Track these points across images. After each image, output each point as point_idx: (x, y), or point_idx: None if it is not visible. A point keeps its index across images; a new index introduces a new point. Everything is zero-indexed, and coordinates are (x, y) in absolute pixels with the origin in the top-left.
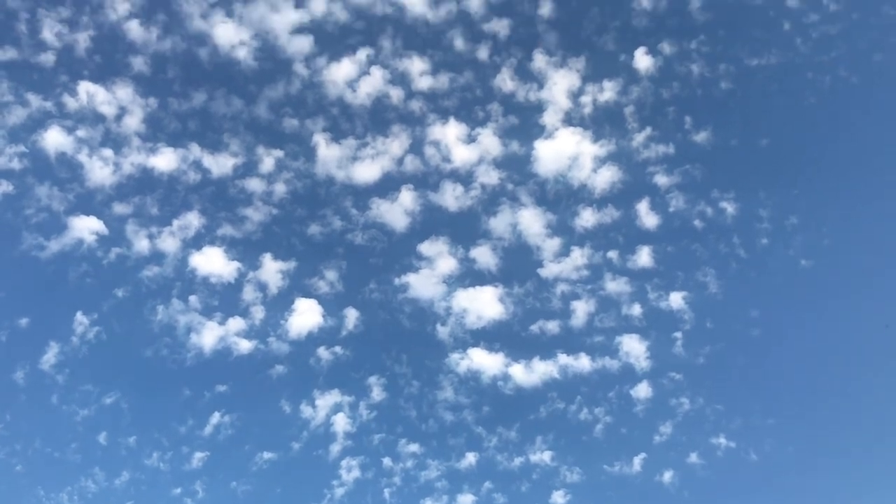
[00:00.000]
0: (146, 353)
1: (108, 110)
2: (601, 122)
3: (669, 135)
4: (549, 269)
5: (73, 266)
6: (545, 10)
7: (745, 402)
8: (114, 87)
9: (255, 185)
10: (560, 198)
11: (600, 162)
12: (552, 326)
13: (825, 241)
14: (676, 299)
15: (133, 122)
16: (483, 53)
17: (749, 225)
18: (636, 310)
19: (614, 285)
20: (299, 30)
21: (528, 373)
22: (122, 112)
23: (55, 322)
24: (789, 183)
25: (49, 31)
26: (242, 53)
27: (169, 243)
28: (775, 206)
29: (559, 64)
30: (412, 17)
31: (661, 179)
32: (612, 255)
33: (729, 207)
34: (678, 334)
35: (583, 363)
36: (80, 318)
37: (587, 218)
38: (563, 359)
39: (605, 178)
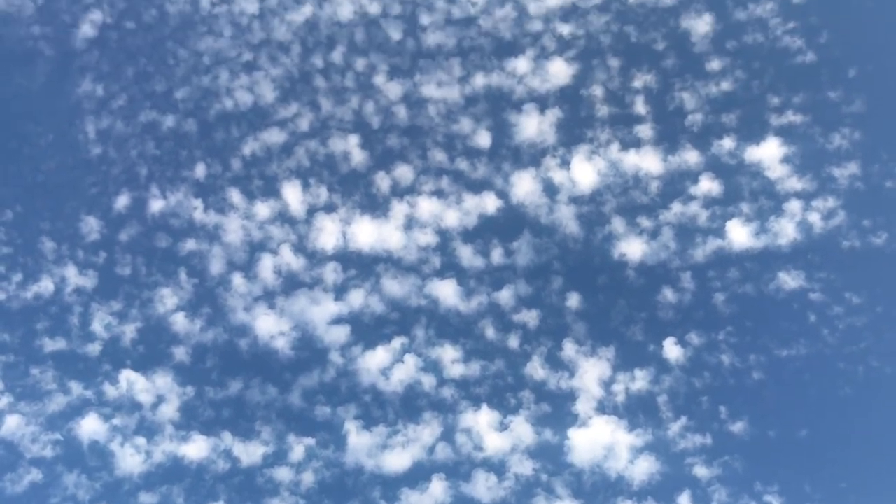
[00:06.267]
0: None
1: (146, 398)
2: (635, 411)
3: (705, 425)
4: None
5: None
6: (573, 302)
7: None
8: (154, 376)
9: (283, 474)
10: (597, 490)
11: (637, 452)
12: None
13: None
14: None
15: (169, 410)
16: (513, 342)
17: None
18: None
19: None
20: (337, 320)
21: None
22: (159, 400)
23: None
24: (836, 476)
25: (99, 324)
26: (281, 343)
27: None
28: (823, 499)
29: (589, 353)
30: (445, 308)
31: (701, 471)
32: None
33: (774, 501)
34: None
35: None
36: None
37: None
38: None
39: (643, 468)
